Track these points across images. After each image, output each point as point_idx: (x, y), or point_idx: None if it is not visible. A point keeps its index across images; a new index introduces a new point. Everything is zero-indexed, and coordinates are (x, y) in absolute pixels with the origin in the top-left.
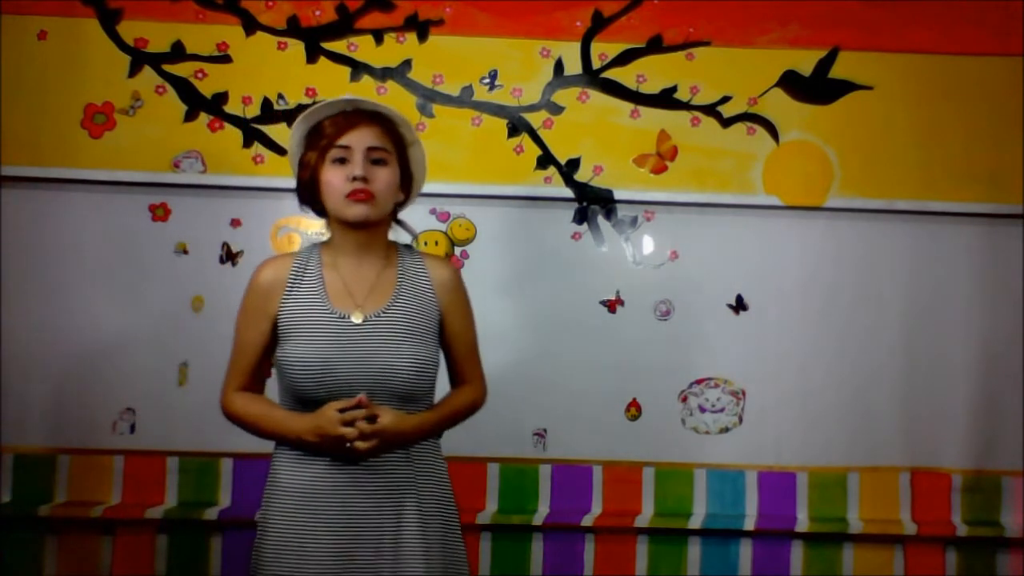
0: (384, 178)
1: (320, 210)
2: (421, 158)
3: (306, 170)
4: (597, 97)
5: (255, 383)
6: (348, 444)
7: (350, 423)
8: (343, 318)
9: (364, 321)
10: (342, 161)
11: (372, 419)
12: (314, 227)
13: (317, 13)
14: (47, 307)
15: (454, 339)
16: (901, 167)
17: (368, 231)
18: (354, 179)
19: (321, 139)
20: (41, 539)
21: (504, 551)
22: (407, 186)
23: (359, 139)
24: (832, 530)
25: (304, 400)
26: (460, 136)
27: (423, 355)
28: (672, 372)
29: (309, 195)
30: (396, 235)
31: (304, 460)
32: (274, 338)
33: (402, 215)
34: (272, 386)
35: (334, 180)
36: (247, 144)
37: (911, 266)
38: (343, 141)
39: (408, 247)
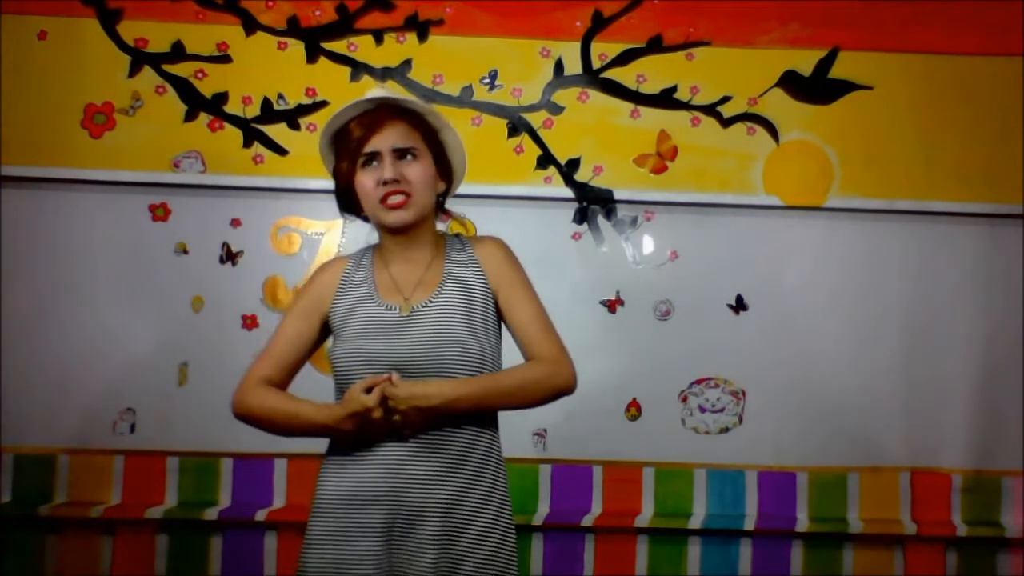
0: (417, 173)
1: (364, 216)
2: (456, 142)
3: (341, 179)
4: (597, 97)
5: (284, 381)
6: (384, 417)
7: (379, 397)
8: (390, 310)
9: (410, 312)
10: (372, 164)
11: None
12: (314, 227)
13: (317, 13)
14: (47, 307)
15: (511, 312)
16: (901, 167)
17: (411, 232)
18: (384, 183)
19: (349, 145)
20: (41, 539)
21: None
22: (447, 174)
23: (384, 140)
24: (832, 530)
25: None
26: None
27: (473, 344)
28: (672, 372)
29: (349, 203)
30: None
31: (347, 467)
32: (321, 339)
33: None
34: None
35: (367, 185)
36: (247, 144)
37: (911, 266)
38: (369, 146)
39: (458, 236)
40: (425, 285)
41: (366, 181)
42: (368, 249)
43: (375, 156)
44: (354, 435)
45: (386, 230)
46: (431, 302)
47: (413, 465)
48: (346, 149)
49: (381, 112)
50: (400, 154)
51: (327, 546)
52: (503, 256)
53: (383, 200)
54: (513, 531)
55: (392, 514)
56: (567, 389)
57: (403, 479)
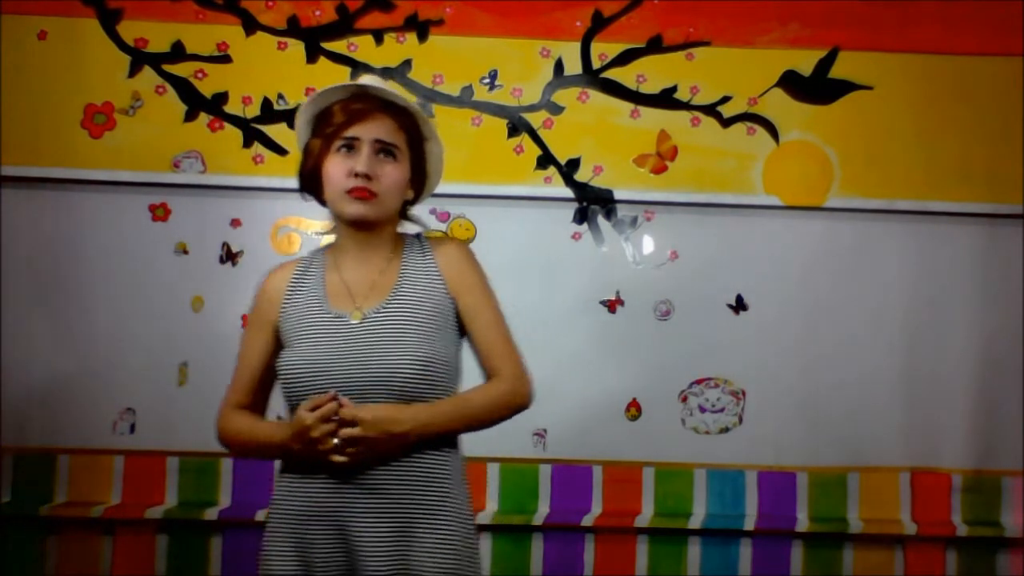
0: (391, 175)
1: (324, 201)
2: (439, 155)
3: (310, 158)
4: (597, 97)
5: (257, 402)
6: (332, 443)
7: (327, 418)
8: (339, 318)
9: (361, 320)
10: (348, 151)
11: (353, 425)
12: (315, 226)
13: (317, 13)
14: (47, 307)
15: (471, 320)
16: (901, 167)
17: (371, 230)
18: (356, 175)
19: (328, 126)
20: (41, 539)
21: (504, 551)
22: (419, 183)
23: (368, 130)
24: (832, 530)
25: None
26: (460, 136)
27: (425, 351)
28: (672, 372)
29: (311, 184)
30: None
31: (301, 483)
32: (278, 349)
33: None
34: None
35: (335, 172)
36: (247, 144)
37: (911, 266)
38: (351, 132)
39: (417, 237)
40: (378, 290)
41: (336, 167)
42: (319, 252)
43: (353, 143)
44: (309, 454)
45: (343, 222)
46: (383, 308)
47: (365, 487)
48: (324, 128)
49: (372, 101)
50: (379, 149)
51: (284, 562)
52: (464, 260)
53: (349, 191)
54: (477, 548)
55: (343, 531)
56: (525, 407)
57: (353, 499)
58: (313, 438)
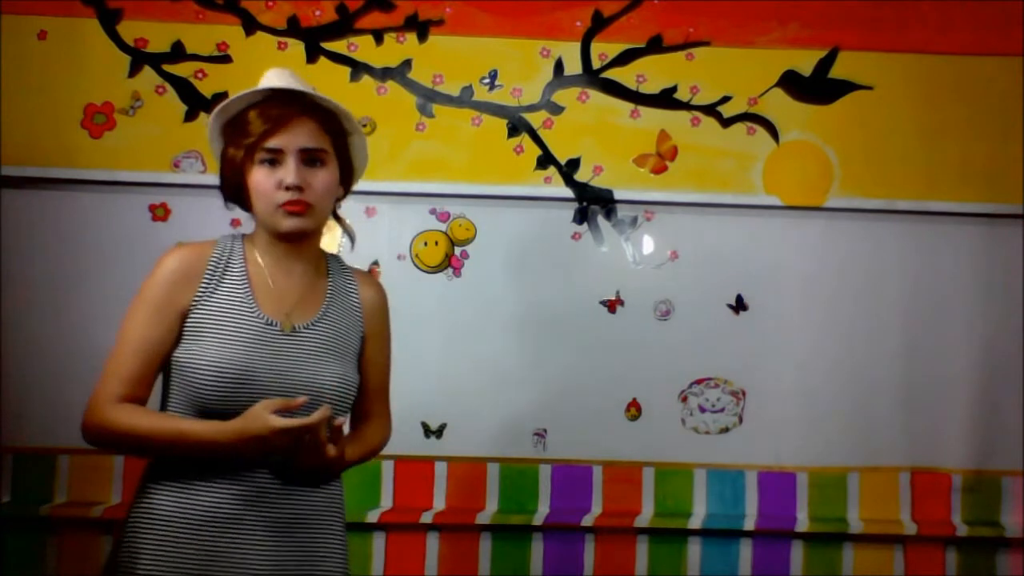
0: (322, 182)
1: (250, 209)
2: (363, 146)
3: (229, 167)
4: (597, 97)
5: (144, 396)
6: (330, 450)
7: (297, 428)
8: (270, 325)
9: (292, 331)
10: (272, 163)
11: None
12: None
13: (317, 13)
14: (47, 307)
15: (371, 365)
16: (901, 167)
17: (302, 239)
18: (288, 188)
19: (246, 135)
20: (41, 539)
21: (504, 551)
22: (346, 179)
23: (291, 139)
24: (832, 530)
25: (210, 414)
26: (460, 136)
27: (349, 375)
28: (672, 372)
29: (235, 194)
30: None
31: (191, 488)
32: (175, 339)
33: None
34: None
35: (264, 185)
36: None
37: (911, 266)
38: (273, 143)
39: (336, 257)
40: (306, 304)
41: (264, 181)
42: (236, 240)
43: (277, 154)
44: (234, 456)
45: (276, 235)
46: (314, 325)
47: (276, 491)
48: (241, 137)
49: (291, 106)
50: (306, 156)
51: (162, 568)
52: (384, 308)
53: (282, 205)
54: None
55: (242, 539)
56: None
57: (264, 503)
58: (274, 443)
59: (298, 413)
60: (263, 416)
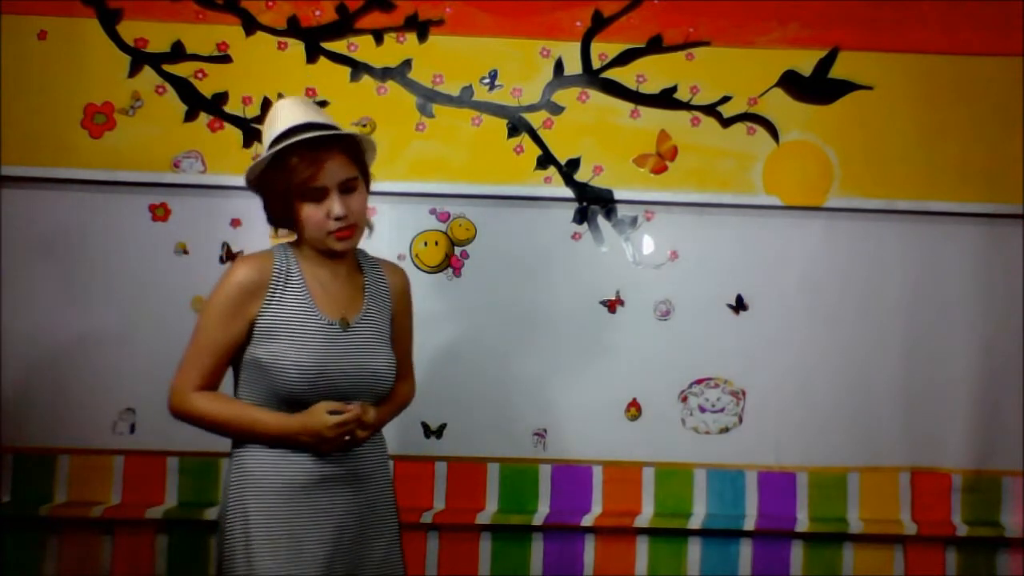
0: (359, 203)
1: (298, 228)
2: (372, 152)
3: (278, 201)
4: (597, 97)
5: (215, 385)
6: (346, 438)
7: (342, 423)
8: (331, 325)
9: (348, 328)
10: (318, 199)
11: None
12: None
13: (317, 13)
14: (47, 307)
15: (399, 339)
16: (901, 167)
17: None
18: (337, 219)
19: (292, 177)
20: (41, 539)
21: (504, 551)
22: (368, 184)
23: (331, 176)
24: (832, 530)
25: (291, 401)
26: (460, 136)
27: (393, 357)
28: (672, 372)
29: (281, 221)
30: None
31: (286, 456)
32: (246, 339)
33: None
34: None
35: (315, 218)
36: (247, 144)
37: (911, 266)
38: (318, 183)
39: (362, 252)
40: (353, 302)
41: (314, 214)
42: (286, 253)
43: (322, 192)
44: (312, 445)
45: (328, 254)
46: (363, 319)
47: (349, 453)
48: (286, 177)
49: (325, 144)
50: (343, 186)
51: (280, 529)
52: (407, 290)
53: (332, 232)
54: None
55: (334, 492)
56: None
57: (336, 460)
58: (328, 438)
59: (352, 396)
60: (322, 415)
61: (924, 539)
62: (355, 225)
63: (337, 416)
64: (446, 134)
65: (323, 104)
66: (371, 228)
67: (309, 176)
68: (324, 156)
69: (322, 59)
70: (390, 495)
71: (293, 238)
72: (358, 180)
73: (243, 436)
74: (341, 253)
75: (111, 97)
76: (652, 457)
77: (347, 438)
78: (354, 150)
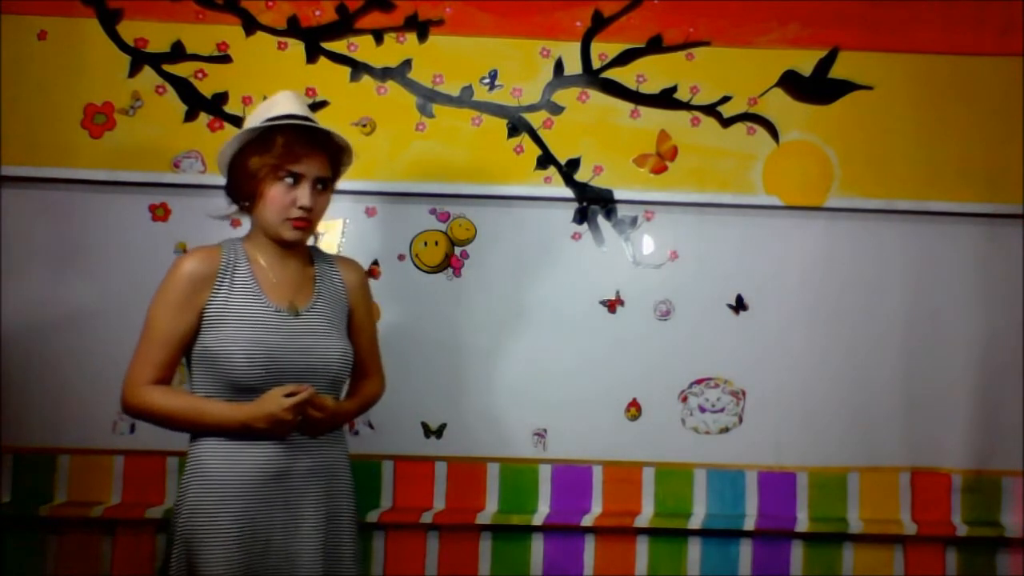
0: (323, 205)
1: (243, 206)
2: (345, 171)
3: (247, 174)
4: (597, 97)
5: (168, 378)
6: (299, 417)
7: (297, 404)
8: (279, 312)
9: (297, 315)
10: (291, 183)
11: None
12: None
13: (317, 13)
14: (47, 307)
15: (359, 333)
16: (901, 167)
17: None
18: (301, 208)
19: (274, 154)
20: (41, 539)
21: (504, 551)
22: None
23: (312, 167)
24: (832, 530)
25: (244, 390)
26: (460, 136)
27: (348, 346)
28: (672, 372)
29: (240, 195)
30: None
31: (243, 449)
32: (195, 330)
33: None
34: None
35: (281, 200)
36: None
37: (911, 266)
38: (298, 168)
39: (316, 248)
40: (302, 291)
41: (281, 196)
42: (237, 243)
43: (298, 177)
44: (269, 432)
45: (277, 240)
46: (313, 307)
47: (308, 444)
48: (268, 154)
49: (313, 138)
50: (316, 182)
51: (232, 523)
52: (364, 283)
53: (291, 219)
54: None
55: (290, 484)
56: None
57: (294, 451)
58: (284, 420)
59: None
60: (278, 398)
61: (924, 539)
62: (312, 222)
63: (292, 398)
64: (446, 134)
65: (323, 104)
66: (317, 236)
67: (292, 158)
68: (310, 148)
69: (322, 59)
70: (349, 490)
71: (233, 211)
72: (330, 185)
73: (198, 429)
74: (290, 243)
75: (111, 97)
76: (652, 457)
77: (299, 417)
78: (335, 157)
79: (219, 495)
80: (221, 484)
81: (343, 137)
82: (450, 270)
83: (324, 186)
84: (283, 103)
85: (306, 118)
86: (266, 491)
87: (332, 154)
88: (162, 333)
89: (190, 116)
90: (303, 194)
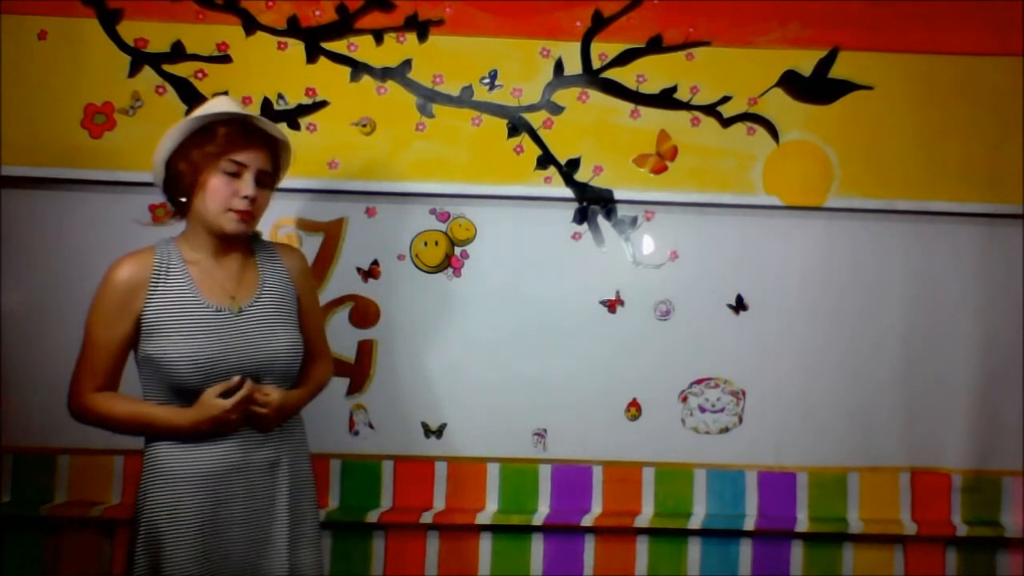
0: (265, 199)
1: (178, 203)
2: (283, 175)
3: (190, 167)
4: (597, 97)
5: (112, 384)
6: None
7: (238, 402)
8: (219, 311)
9: (240, 312)
10: (231, 175)
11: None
12: (315, 227)
13: (317, 13)
14: (47, 307)
15: (307, 317)
16: (901, 167)
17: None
18: (245, 198)
19: (217, 146)
20: (41, 539)
21: (504, 551)
22: None
23: (256, 159)
24: (832, 530)
25: (184, 392)
26: (460, 136)
27: (296, 337)
28: (672, 372)
29: (178, 189)
30: None
31: (198, 447)
32: (135, 336)
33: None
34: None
35: (222, 191)
36: None
37: (911, 266)
38: (241, 158)
39: (255, 237)
40: (246, 285)
41: (223, 187)
42: (170, 243)
43: (239, 169)
44: (215, 431)
45: (218, 233)
46: (257, 301)
47: (261, 438)
48: (210, 146)
49: (257, 133)
50: (259, 176)
51: (195, 520)
52: (306, 268)
53: (234, 210)
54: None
55: (248, 477)
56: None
57: (249, 445)
58: (227, 420)
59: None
60: (213, 401)
61: (924, 539)
62: (254, 215)
63: (230, 399)
64: (446, 134)
65: (323, 104)
66: (256, 234)
67: (234, 148)
68: (252, 141)
69: (322, 59)
70: (309, 480)
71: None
72: (272, 180)
73: (146, 434)
74: (231, 236)
75: (111, 97)
76: (652, 457)
77: (243, 414)
78: (275, 156)
79: (178, 493)
80: (179, 482)
81: (280, 131)
82: (450, 270)
83: (266, 183)
84: (220, 104)
85: (245, 116)
86: (225, 485)
87: (273, 152)
88: (101, 342)
89: None
90: (246, 184)
